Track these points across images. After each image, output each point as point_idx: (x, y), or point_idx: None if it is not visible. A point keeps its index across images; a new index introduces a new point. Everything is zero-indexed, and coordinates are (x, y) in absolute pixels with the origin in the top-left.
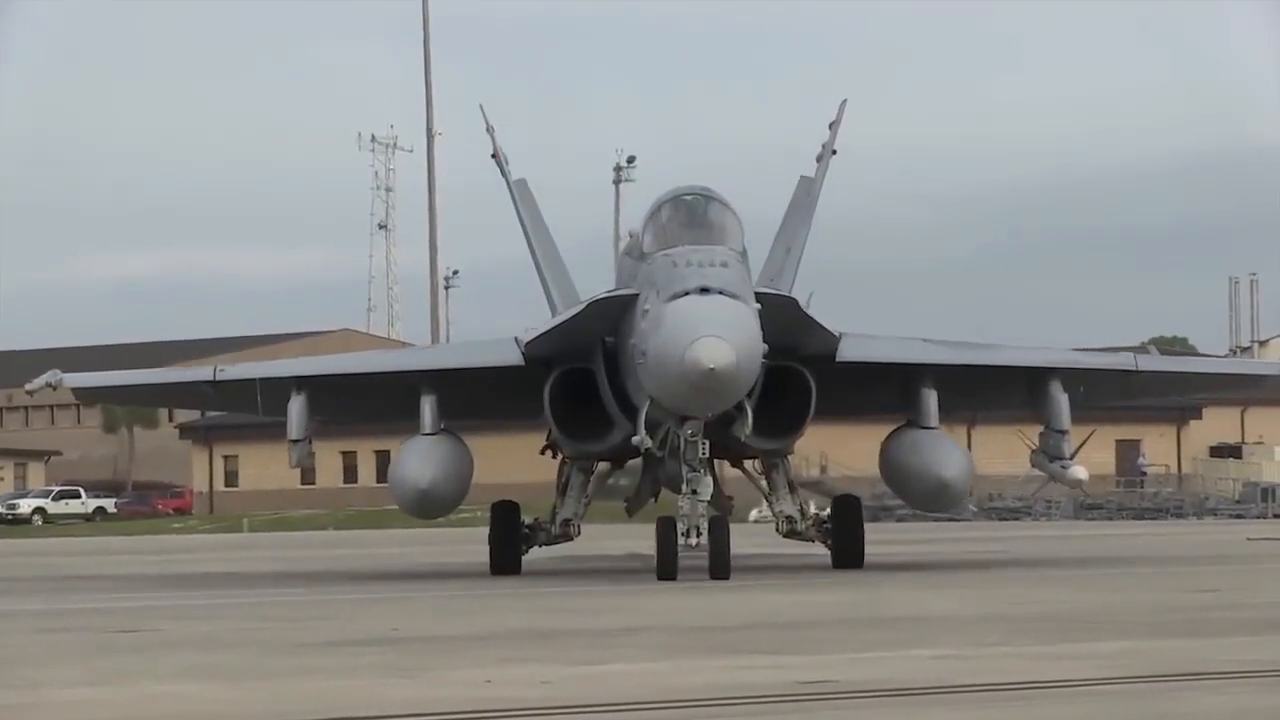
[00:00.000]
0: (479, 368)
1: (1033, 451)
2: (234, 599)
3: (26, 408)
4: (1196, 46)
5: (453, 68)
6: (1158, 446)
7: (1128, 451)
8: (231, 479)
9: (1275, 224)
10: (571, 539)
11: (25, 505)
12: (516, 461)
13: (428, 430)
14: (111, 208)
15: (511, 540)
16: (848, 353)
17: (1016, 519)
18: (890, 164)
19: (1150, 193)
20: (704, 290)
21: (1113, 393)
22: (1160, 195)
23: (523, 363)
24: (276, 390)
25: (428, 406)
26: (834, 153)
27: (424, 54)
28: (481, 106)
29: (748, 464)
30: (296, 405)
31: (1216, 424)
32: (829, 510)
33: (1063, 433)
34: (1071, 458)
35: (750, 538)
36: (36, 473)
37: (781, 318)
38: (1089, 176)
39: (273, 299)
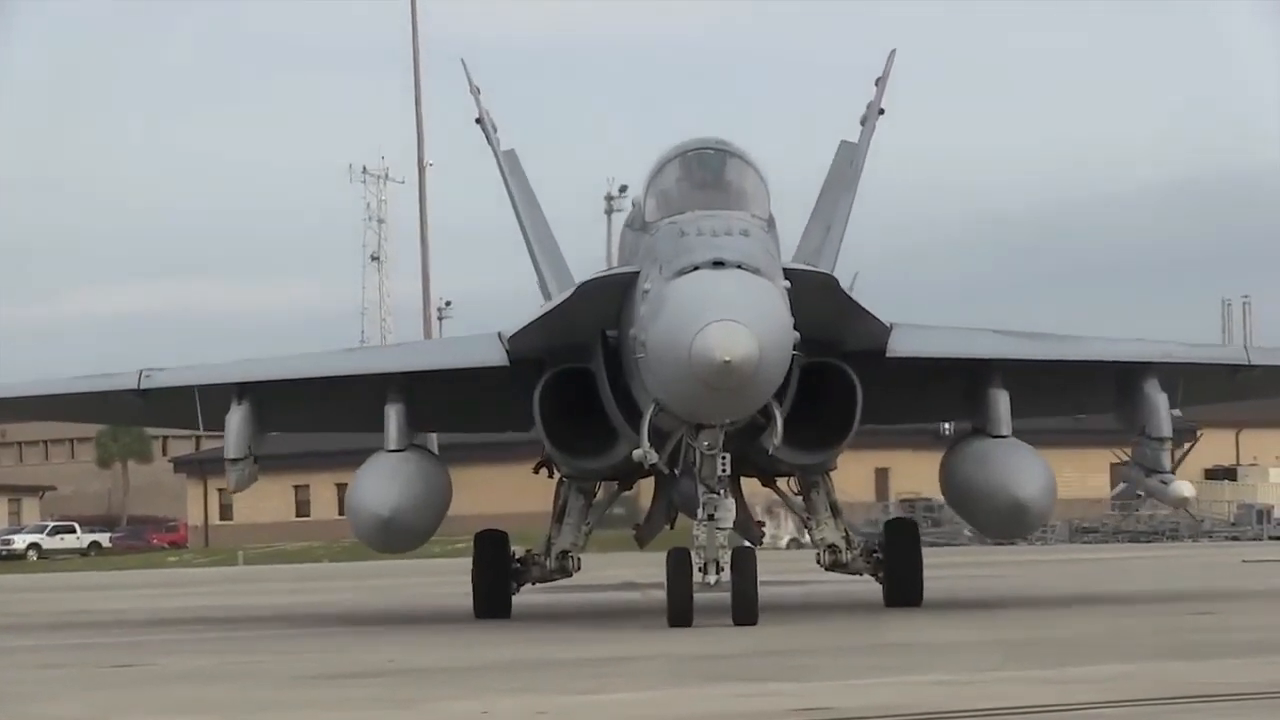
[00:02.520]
0: (455, 369)
1: (1124, 464)
2: (228, 632)
3: (20, 443)
4: (1190, 69)
5: (443, 98)
6: None
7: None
8: (226, 512)
9: (1268, 246)
10: (570, 574)
11: (20, 541)
12: (506, 486)
13: (393, 446)
14: (99, 242)
15: (499, 577)
16: (901, 346)
17: (1013, 543)
18: (872, 195)
19: (1140, 216)
20: (718, 264)
21: (1216, 392)
22: (1150, 218)
23: (507, 362)
24: (218, 399)
25: (394, 417)
26: (881, 112)
27: (414, 84)
28: (464, 63)
29: (781, 482)
30: (237, 417)
31: (1211, 446)
32: (880, 537)
33: (1161, 440)
34: (1173, 470)
35: (776, 562)
36: (31, 508)
37: (819, 302)
38: (1072, 203)
39: (264, 332)
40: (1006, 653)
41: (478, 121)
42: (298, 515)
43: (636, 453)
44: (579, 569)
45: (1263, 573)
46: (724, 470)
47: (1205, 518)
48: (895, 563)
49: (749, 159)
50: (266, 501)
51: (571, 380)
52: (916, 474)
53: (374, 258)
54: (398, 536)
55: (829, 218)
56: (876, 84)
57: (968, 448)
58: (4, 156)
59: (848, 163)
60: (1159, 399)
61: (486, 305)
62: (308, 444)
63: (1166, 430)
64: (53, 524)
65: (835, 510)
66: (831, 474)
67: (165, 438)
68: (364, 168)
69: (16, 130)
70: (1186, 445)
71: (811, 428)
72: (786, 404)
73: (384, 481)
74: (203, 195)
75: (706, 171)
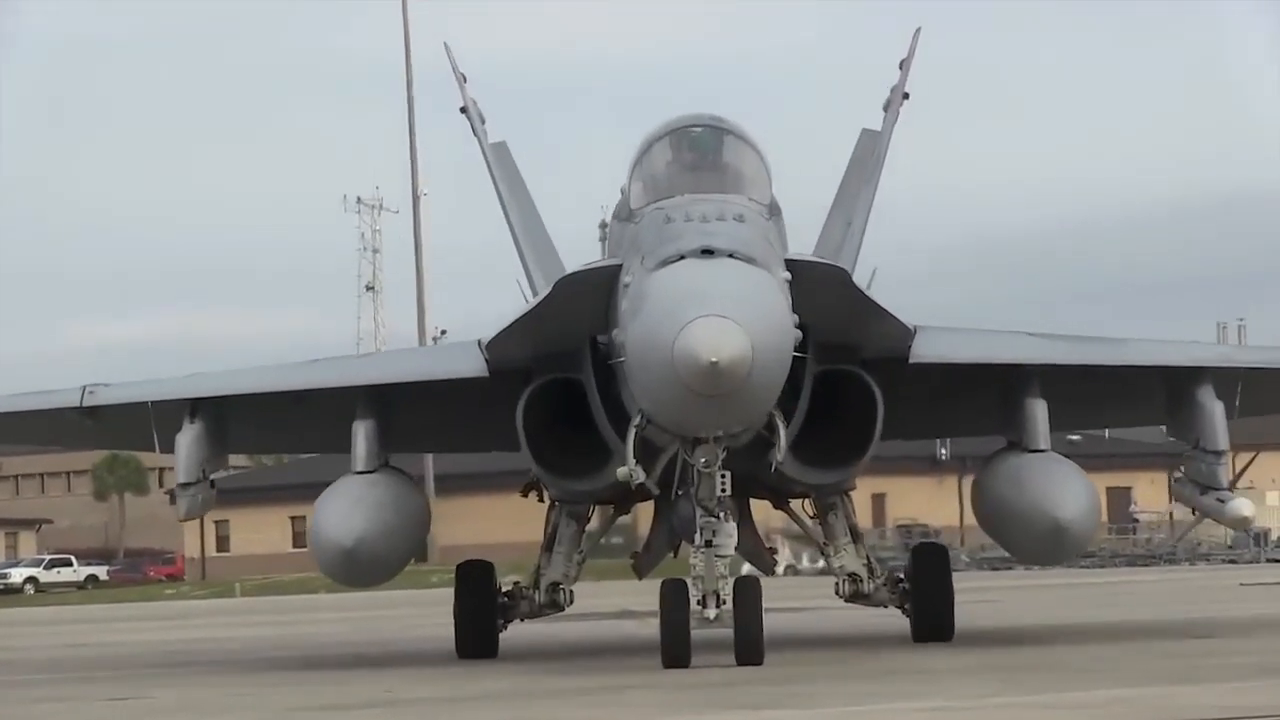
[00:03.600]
0: (429, 381)
1: (1177, 480)
2: (226, 664)
3: (17, 477)
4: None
5: (436, 127)
6: (1149, 493)
7: (1119, 498)
8: (223, 544)
9: (1263, 269)
10: (562, 608)
11: (17, 574)
12: (504, 513)
13: (361, 467)
14: (95, 272)
15: (483, 612)
16: (926, 351)
17: (1009, 569)
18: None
19: (1135, 238)
20: (707, 253)
21: (1277, 400)
22: (1145, 240)
23: (486, 372)
24: (172, 417)
25: (362, 435)
26: (906, 96)
27: (408, 114)
28: (448, 47)
29: (794, 504)
30: (188, 437)
31: None
32: (907, 564)
33: (1218, 454)
34: (1231, 487)
35: (785, 590)
36: (28, 541)
37: (830, 299)
38: (1066, 224)
39: (260, 363)
40: (1004, 678)
41: (462, 110)
42: (294, 546)
43: (621, 471)
44: (571, 602)
45: (1260, 596)
46: (723, 490)
47: (1202, 542)
48: (924, 593)
49: (747, 137)
50: (263, 533)
51: (559, 392)
52: (914, 500)
53: (369, 288)
54: (363, 568)
55: (850, 211)
56: (900, 66)
57: (1002, 464)
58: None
59: (869, 151)
60: (1214, 408)
61: (481, 333)
62: (303, 475)
63: (1223, 442)
64: (49, 557)
65: (855, 535)
66: (851, 494)
67: (161, 470)
68: (358, 198)
69: (13, 160)
70: (1248, 457)
71: (827, 443)
72: (799, 415)
73: (348, 508)
74: (198, 226)
75: (698, 151)
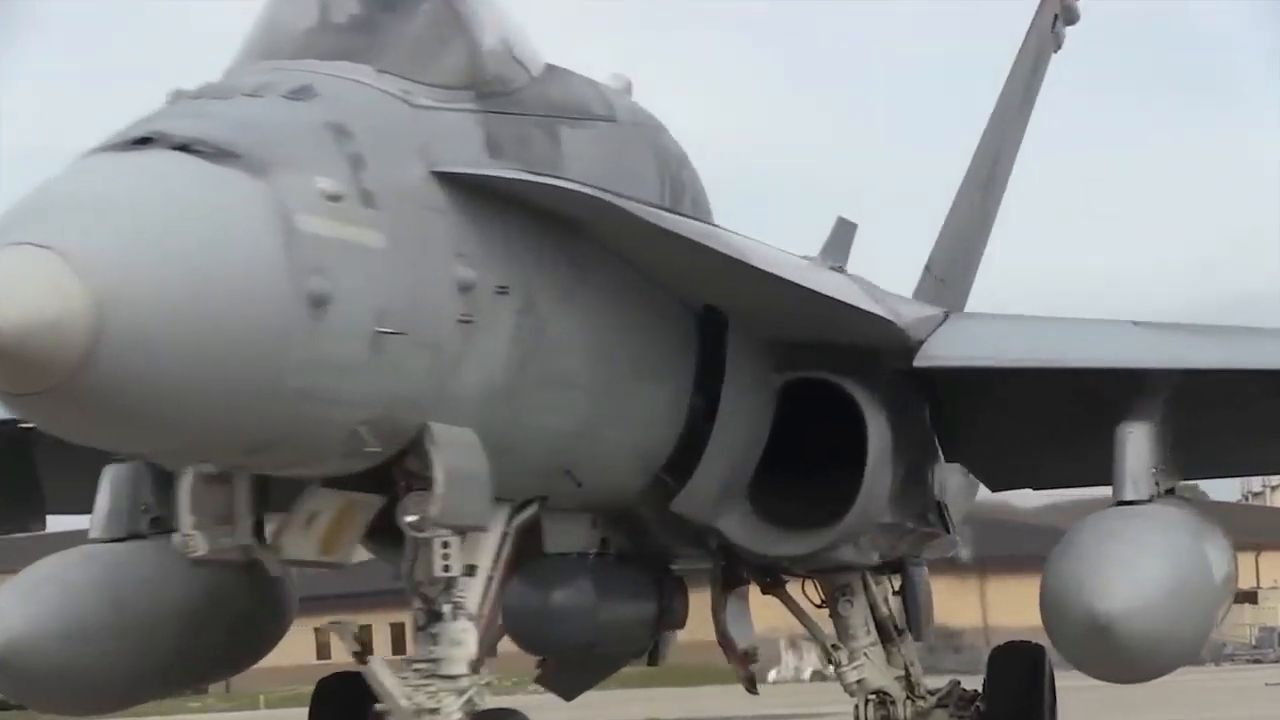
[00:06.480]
0: None
1: None
2: None
3: None
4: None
5: None
6: None
7: None
8: None
9: None
10: None
11: None
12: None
13: (98, 534)
14: None
15: None
16: (942, 348)
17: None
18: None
19: None
20: (142, 142)
21: None
22: None
23: None
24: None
25: (105, 490)
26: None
27: None
28: None
29: (794, 587)
30: None
31: None
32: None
33: None
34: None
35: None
36: None
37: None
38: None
39: None
40: None
41: None
42: (319, 658)
43: (175, 539)
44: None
45: None
46: (447, 568)
47: (1226, 642)
48: (1011, 716)
49: None
50: (288, 646)
51: None
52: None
53: None
54: (20, 677)
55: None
56: None
57: (1076, 528)
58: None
59: (1024, 87)
60: None
61: None
62: (329, 586)
63: None
64: None
65: (886, 633)
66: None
67: None
68: None
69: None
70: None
71: (806, 494)
72: (725, 444)
73: (20, 593)
74: None
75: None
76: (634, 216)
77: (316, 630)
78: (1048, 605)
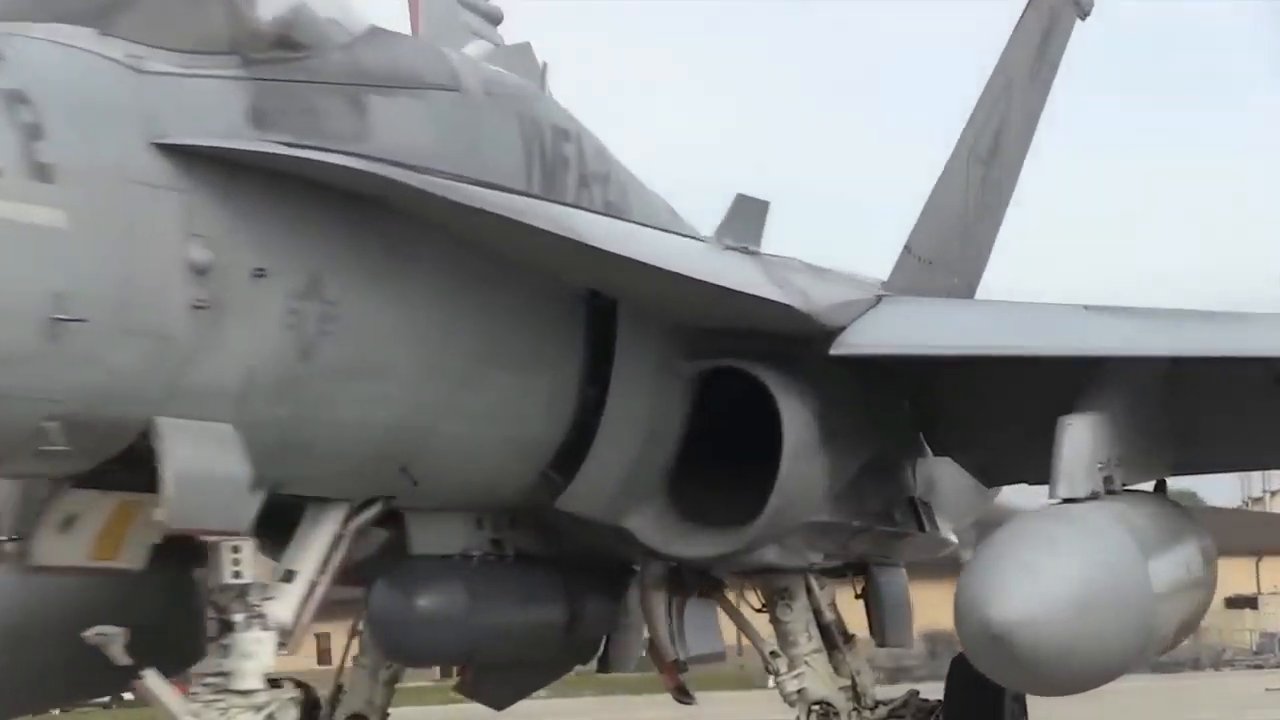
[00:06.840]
0: None
1: None
2: None
3: None
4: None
5: None
6: None
7: None
8: None
9: None
10: None
11: None
12: None
13: None
14: None
15: None
16: (862, 336)
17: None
18: None
19: None
20: None
21: None
22: None
23: None
24: None
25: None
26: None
27: None
28: None
29: (735, 592)
30: None
31: (1230, 575)
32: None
33: None
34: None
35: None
36: None
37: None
38: None
39: None
40: None
41: None
42: (319, 664)
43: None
44: None
45: None
46: (238, 574)
47: (1226, 647)
48: None
49: None
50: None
51: None
52: (935, 605)
53: None
54: None
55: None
56: None
57: (1002, 527)
58: None
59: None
60: None
61: None
62: (329, 592)
63: None
64: None
65: (832, 639)
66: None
67: None
68: None
69: None
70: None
71: (726, 490)
72: (612, 437)
73: None
74: None
75: None
76: (430, 194)
77: (317, 637)
78: (955, 610)
